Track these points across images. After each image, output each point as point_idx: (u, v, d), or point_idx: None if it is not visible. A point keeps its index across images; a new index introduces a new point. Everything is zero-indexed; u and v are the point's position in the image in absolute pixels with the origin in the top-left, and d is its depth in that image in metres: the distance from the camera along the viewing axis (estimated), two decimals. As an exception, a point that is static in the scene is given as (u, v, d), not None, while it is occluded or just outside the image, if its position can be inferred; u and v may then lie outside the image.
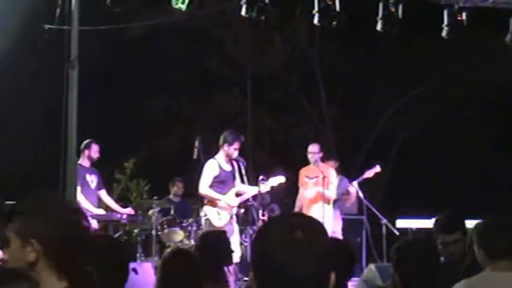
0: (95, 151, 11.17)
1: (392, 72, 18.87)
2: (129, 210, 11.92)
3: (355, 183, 12.08)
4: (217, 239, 6.44)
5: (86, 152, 11.11)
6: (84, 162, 11.07)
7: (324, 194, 11.29)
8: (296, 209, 11.46)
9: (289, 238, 2.17)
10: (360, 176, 12.20)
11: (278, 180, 10.70)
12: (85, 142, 11.14)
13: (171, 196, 12.85)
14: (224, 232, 6.44)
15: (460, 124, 18.46)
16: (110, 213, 11.51)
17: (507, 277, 4.22)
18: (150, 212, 11.64)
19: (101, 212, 11.36)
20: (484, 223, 4.61)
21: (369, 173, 12.15)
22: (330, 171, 11.59)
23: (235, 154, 10.28)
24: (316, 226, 2.26)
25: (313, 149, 11.63)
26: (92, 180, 11.22)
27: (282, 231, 2.21)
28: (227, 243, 6.51)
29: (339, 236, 11.68)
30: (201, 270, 4.72)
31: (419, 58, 18.43)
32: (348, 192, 12.15)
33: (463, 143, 18.51)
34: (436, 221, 5.49)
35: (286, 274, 2.15)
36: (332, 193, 11.46)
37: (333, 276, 2.21)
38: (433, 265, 3.96)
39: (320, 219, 11.05)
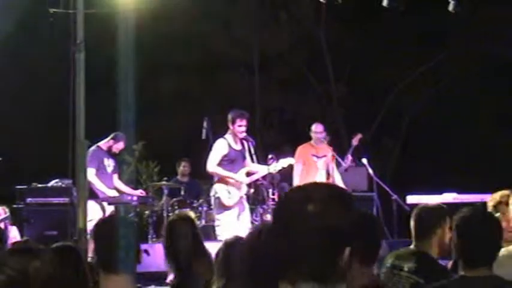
0: (117, 147, 11.48)
1: (399, 48, 18.79)
2: (140, 192, 12.02)
3: (350, 158, 12.06)
4: None
5: (111, 142, 11.38)
6: (104, 146, 11.31)
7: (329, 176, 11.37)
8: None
9: (302, 211, 2.18)
10: (349, 147, 12.27)
11: (287, 162, 10.69)
12: (116, 134, 11.51)
13: (178, 177, 12.87)
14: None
15: (469, 99, 18.38)
16: (121, 196, 11.60)
17: None
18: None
19: (114, 193, 11.45)
20: None
21: (355, 141, 12.32)
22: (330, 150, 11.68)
23: (243, 132, 10.26)
24: (335, 199, 2.24)
25: (319, 129, 11.62)
26: (109, 164, 11.43)
27: (296, 203, 2.22)
28: None
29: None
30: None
31: (426, 33, 18.34)
32: (343, 164, 12.10)
33: (472, 119, 18.45)
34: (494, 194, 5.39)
35: (298, 245, 2.17)
36: (338, 177, 11.53)
37: (346, 251, 2.20)
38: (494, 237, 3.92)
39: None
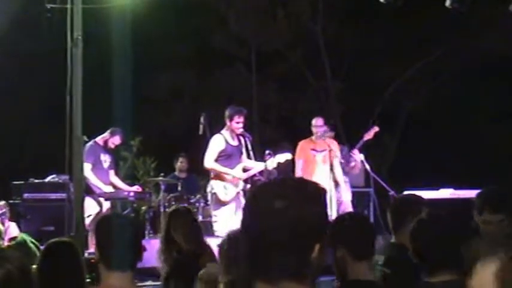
0: (113, 142, 11.49)
1: (397, 44, 18.79)
2: (137, 188, 12.02)
3: (359, 154, 11.89)
4: None
5: (107, 136, 11.39)
6: (100, 141, 11.32)
7: (332, 170, 11.23)
8: None
9: (268, 207, 2.16)
10: (360, 140, 11.91)
11: (285, 157, 10.67)
12: (113, 128, 11.51)
13: (176, 173, 12.87)
14: None
15: (466, 95, 18.40)
16: (118, 191, 11.61)
17: None
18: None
19: (110, 189, 11.45)
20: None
21: (369, 135, 11.76)
22: (334, 145, 11.51)
23: (240, 128, 10.27)
24: (305, 195, 2.19)
25: (318, 123, 11.52)
26: (106, 160, 11.43)
27: (262, 200, 2.20)
28: None
29: (349, 207, 11.63)
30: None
31: (423, 29, 18.34)
32: (352, 161, 11.94)
33: (469, 114, 18.46)
34: (481, 195, 5.27)
35: (262, 241, 2.15)
36: (339, 171, 11.40)
37: (316, 247, 2.15)
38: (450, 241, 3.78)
39: (328, 182, 11.01)
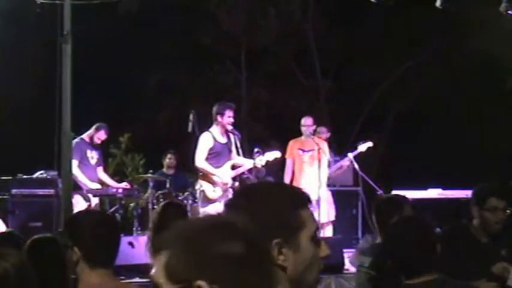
0: (98, 137, 11.46)
1: (386, 44, 18.82)
2: (125, 185, 12.00)
3: (350, 154, 11.97)
4: None
5: (92, 132, 11.38)
6: (86, 138, 11.32)
7: (318, 171, 11.24)
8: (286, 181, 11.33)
9: (234, 203, 2.27)
10: (353, 150, 12.04)
11: (274, 155, 10.68)
12: (99, 124, 11.48)
13: (164, 169, 12.84)
14: None
15: (455, 95, 18.43)
16: (106, 188, 11.58)
17: None
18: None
19: (96, 186, 11.43)
20: None
21: (362, 147, 11.99)
22: (324, 145, 11.53)
23: (231, 123, 10.27)
24: (265, 197, 2.26)
25: (307, 122, 11.52)
26: (93, 156, 11.40)
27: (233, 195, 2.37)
28: None
29: (332, 209, 11.65)
30: None
31: (413, 29, 18.37)
32: (340, 167, 12.09)
33: (458, 114, 18.49)
34: (482, 187, 5.26)
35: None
36: (325, 172, 11.41)
37: (273, 244, 2.16)
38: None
39: (316, 181, 11.04)
